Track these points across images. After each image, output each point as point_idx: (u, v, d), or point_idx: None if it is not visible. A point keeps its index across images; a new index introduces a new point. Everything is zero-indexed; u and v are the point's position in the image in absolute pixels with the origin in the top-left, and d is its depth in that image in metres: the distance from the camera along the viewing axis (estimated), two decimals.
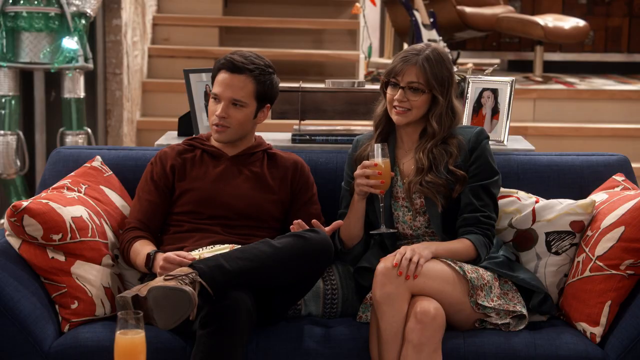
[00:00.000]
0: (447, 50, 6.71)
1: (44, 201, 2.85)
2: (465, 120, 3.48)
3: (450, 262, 2.81)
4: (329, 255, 2.81)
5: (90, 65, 4.95)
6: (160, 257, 2.81)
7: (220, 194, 3.02)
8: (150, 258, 2.86)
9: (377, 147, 2.88)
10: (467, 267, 2.82)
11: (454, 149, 2.93)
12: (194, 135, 3.28)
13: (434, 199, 2.91)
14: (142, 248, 2.92)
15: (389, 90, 2.96)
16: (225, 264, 2.68)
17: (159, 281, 2.60)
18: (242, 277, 2.68)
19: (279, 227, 3.06)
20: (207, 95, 3.55)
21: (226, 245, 2.89)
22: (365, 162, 2.89)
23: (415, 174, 2.94)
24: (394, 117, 2.96)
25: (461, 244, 2.88)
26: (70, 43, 4.81)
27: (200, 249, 2.89)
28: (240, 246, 2.83)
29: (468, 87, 3.54)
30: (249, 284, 2.70)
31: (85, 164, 3.22)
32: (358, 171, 2.90)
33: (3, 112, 4.87)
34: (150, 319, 2.58)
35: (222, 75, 3.00)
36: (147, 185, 3.07)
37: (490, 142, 3.02)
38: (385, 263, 2.73)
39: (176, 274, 2.61)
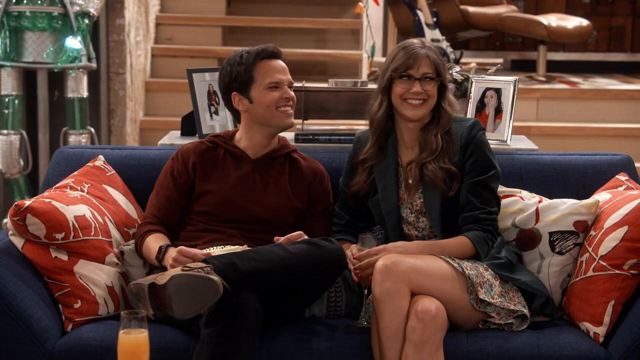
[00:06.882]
0: (450, 50, 6.72)
1: (47, 200, 2.85)
2: None
3: (448, 259, 2.81)
4: (341, 266, 2.82)
5: (94, 64, 4.96)
6: (173, 250, 2.82)
7: (239, 198, 3.01)
8: (162, 250, 2.86)
9: (365, 240, 2.87)
10: (466, 264, 2.82)
11: (455, 143, 2.95)
12: (217, 133, 3.21)
13: (434, 183, 2.90)
14: (155, 241, 2.93)
15: (399, 86, 2.94)
16: (238, 263, 2.67)
17: (177, 271, 2.60)
18: (253, 277, 2.68)
19: (291, 232, 2.99)
20: (210, 95, 3.54)
21: (237, 247, 2.88)
22: (361, 255, 2.84)
23: (427, 154, 2.93)
24: (409, 112, 2.95)
25: (457, 242, 2.88)
26: (73, 43, 4.81)
27: (211, 248, 2.89)
28: (250, 248, 2.83)
29: (471, 86, 3.53)
30: (259, 286, 2.70)
31: (88, 164, 3.22)
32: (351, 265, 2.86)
33: (6, 111, 4.87)
34: (167, 308, 2.57)
35: (270, 63, 3.02)
36: (166, 180, 3.06)
37: (493, 141, 3.01)
38: (384, 261, 2.73)
39: (193, 266, 2.61)
